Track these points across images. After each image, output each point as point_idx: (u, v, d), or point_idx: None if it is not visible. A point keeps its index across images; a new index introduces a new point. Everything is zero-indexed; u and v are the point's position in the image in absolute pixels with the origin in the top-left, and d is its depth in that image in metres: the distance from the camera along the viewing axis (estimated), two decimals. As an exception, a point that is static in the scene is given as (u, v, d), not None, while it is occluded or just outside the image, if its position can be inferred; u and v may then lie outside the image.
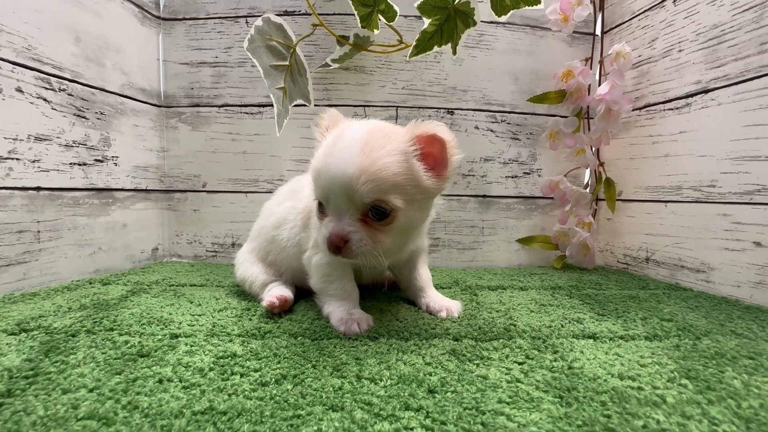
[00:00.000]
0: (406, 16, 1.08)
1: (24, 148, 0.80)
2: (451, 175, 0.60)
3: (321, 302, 0.69)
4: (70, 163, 0.90)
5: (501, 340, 0.58)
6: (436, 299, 0.73)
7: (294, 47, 0.92)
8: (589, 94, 1.07)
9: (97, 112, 0.96)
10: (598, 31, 1.17)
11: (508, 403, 0.41)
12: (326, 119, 0.66)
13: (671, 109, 0.96)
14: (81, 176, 0.92)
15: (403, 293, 0.80)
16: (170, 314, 0.68)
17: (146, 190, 1.10)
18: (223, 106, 1.14)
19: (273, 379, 0.45)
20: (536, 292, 0.87)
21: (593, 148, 1.13)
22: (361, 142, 0.55)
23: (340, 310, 0.65)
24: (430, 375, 0.47)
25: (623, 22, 1.10)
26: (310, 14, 1.06)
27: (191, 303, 0.75)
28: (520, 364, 0.51)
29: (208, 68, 1.13)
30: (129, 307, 0.72)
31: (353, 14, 0.94)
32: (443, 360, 0.51)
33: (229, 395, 0.41)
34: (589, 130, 1.11)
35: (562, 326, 0.64)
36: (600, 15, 1.15)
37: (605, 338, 0.60)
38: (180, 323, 0.63)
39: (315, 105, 1.08)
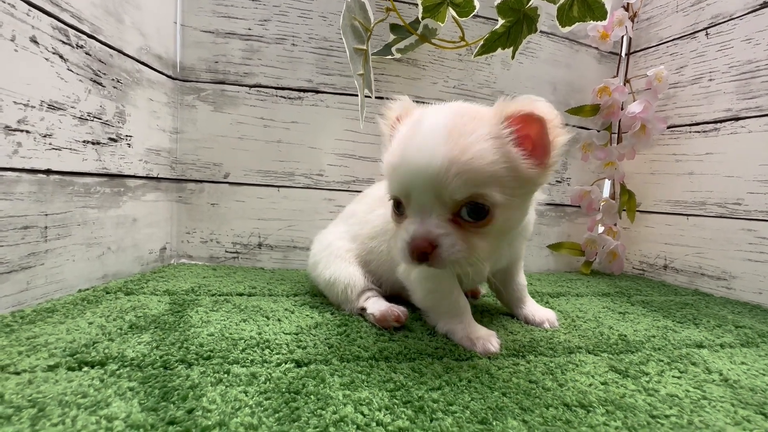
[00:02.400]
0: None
1: (35, 117, 0.61)
2: (555, 161, 0.49)
3: (432, 319, 0.63)
4: (84, 141, 0.71)
5: (635, 354, 0.58)
6: (535, 310, 0.71)
7: (371, 30, 0.83)
8: (622, 110, 1.14)
9: (114, 79, 0.77)
10: (624, 53, 1.25)
11: (738, 424, 0.40)
12: (396, 108, 0.57)
13: (698, 132, 1.06)
14: (94, 158, 0.73)
15: (501, 302, 0.77)
16: (259, 333, 0.57)
17: (157, 178, 0.92)
18: (255, 86, 0.99)
19: (480, 417, 0.39)
20: (597, 299, 0.90)
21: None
22: (446, 129, 0.46)
23: (460, 327, 0.60)
24: (627, 397, 0.45)
25: (650, 47, 1.19)
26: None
27: (267, 318, 0.64)
28: (678, 378, 0.51)
29: (239, 41, 0.98)
30: (196, 325, 0.59)
31: (410, 3, 0.88)
32: (617, 379, 0.49)
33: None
34: (617, 143, 1.18)
35: (664, 336, 0.67)
36: (627, 37, 1.23)
37: (713, 346, 0.63)
38: (283, 345, 0.53)
39: (356, 95, 0.99)
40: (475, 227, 0.47)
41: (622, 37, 1.18)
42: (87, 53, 0.70)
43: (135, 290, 0.74)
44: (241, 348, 0.51)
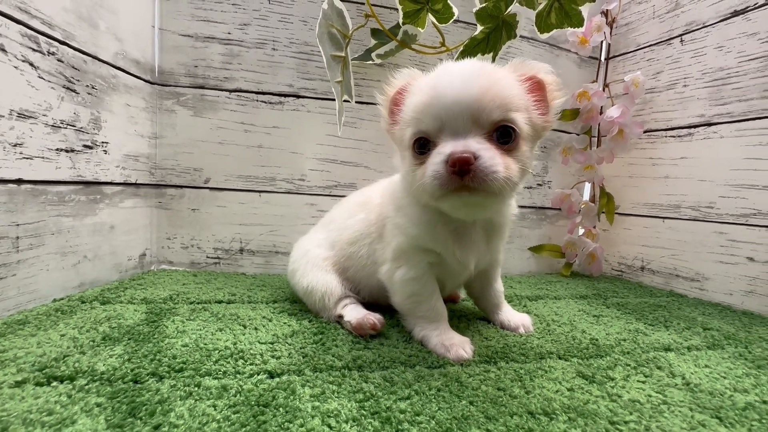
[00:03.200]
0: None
1: (5, 126, 0.60)
2: (553, 119, 0.56)
3: (409, 324, 0.64)
4: (57, 149, 0.70)
5: (604, 358, 0.60)
6: (511, 316, 0.72)
7: (350, 37, 0.83)
8: (601, 114, 1.16)
9: (88, 86, 0.76)
10: (603, 57, 1.27)
11: (692, 429, 0.42)
12: (400, 79, 0.59)
13: (673, 137, 1.08)
14: (68, 166, 0.72)
15: (478, 308, 0.78)
16: (234, 344, 0.57)
17: (135, 184, 0.91)
18: (235, 91, 0.98)
19: (445, 428, 0.40)
20: (574, 302, 0.92)
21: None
22: (474, 69, 0.52)
23: (435, 333, 0.61)
24: (591, 403, 0.46)
25: (628, 52, 1.21)
26: (356, 2, 0.98)
27: (244, 327, 0.64)
28: (643, 382, 0.53)
29: (218, 45, 0.97)
30: (171, 335, 0.59)
31: (391, 8, 0.88)
32: (583, 385, 0.51)
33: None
34: (596, 147, 1.20)
35: (634, 339, 0.68)
36: (606, 42, 1.25)
37: (680, 350, 0.65)
38: (257, 355, 0.53)
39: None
40: (505, 150, 0.51)
41: (601, 42, 1.19)
42: (59, 60, 0.69)
43: (111, 299, 0.73)
44: (214, 359, 0.52)
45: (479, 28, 0.92)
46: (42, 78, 0.66)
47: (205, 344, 0.56)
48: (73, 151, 0.73)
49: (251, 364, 0.51)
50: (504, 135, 0.50)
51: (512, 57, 1.15)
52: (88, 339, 0.55)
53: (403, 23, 0.93)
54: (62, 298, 0.72)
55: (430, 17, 0.94)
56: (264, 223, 1.02)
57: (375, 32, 1.00)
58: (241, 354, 0.53)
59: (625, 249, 1.21)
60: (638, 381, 0.53)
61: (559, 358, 0.59)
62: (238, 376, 0.48)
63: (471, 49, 0.97)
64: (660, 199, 1.11)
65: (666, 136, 1.10)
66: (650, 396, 0.49)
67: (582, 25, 0.96)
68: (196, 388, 0.44)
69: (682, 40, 1.06)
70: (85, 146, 0.76)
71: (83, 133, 0.75)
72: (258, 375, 0.48)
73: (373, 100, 1.06)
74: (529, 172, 0.56)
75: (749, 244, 0.91)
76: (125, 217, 0.88)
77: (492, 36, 0.95)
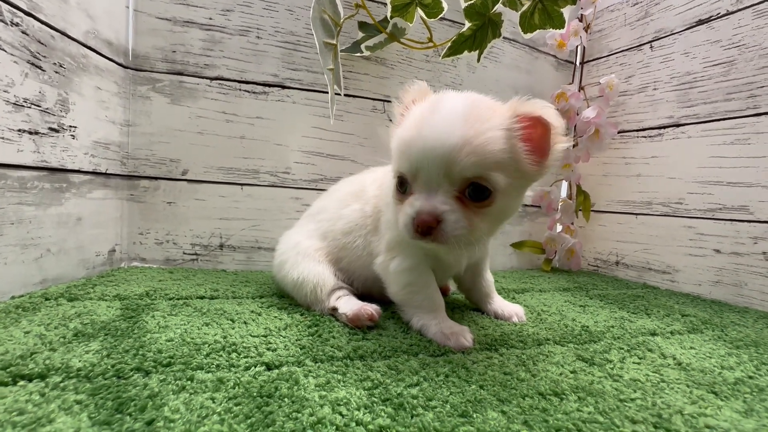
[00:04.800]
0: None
1: (-41, 100, 0.53)
2: (551, 164, 0.53)
3: (407, 314, 0.63)
4: (19, 130, 0.63)
5: (598, 343, 0.61)
6: (503, 305, 0.73)
7: (341, 24, 0.81)
8: (578, 115, 1.21)
9: (55, 63, 0.69)
10: (578, 61, 1.33)
11: (694, 403, 0.43)
12: (412, 92, 0.59)
13: (644, 137, 1.14)
14: (31, 149, 0.66)
15: (470, 300, 0.77)
16: (224, 337, 0.53)
17: (105, 174, 0.84)
18: (216, 79, 0.94)
19: (461, 411, 0.39)
20: (559, 294, 0.94)
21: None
22: (464, 113, 0.49)
23: (434, 322, 0.60)
24: (596, 384, 0.46)
25: (601, 57, 1.27)
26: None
27: (232, 321, 0.60)
28: (638, 364, 0.54)
29: (198, 30, 0.92)
30: (153, 330, 0.54)
31: (379, 2, 0.88)
32: (584, 367, 0.51)
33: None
34: (573, 147, 1.25)
35: (621, 326, 0.70)
36: (582, 46, 1.30)
37: (664, 334, 0.68)
38: (251, 348, 0.50)
39: (323, 92, 0.98)
40: (477, 207, 0.50)
41: (577, 46, 1.25)
42: (24, 32, 0.63)
43: (80, 296, 0.67)
44: (205, 353, 0.48)
45: (467, 24, 0.93)
46: (3, 50, 0.59)
47: (192, 339, 0.52)
48: (37, 133, 0.67)
49: (246, 357, 0.48)
50: (477, 191, 0.49)
51: (495, 58, 1.17)
52: (58, 336, 0.50)
53: (392, 17, 0.93)
54: (22, 295, 0.65)
55: (419, 12, 0.94)
56: (246, 217, 0.98)
57: (363, 25, 0.99)
58: (233, 347, 0.50)
59: (601, 244, 1.26)
60: (634, 363, 0.54)
61: (556, 344, 0.60)
62: (233, 369, 0.45)
63: (458, 45, 0.98)
64: (633, 196, 1.17)
65: (638, 137, 1.16)
66: (648, 375, 0.50)
67: (563, 27, 0.99)
68: (189, 382, 0.41)
69: (651, 47, 1.13)
70: (51, 129, 0.70)
71: (49, 115, 0.69)
72: (255, 367, 0.45)
73: (361, 93, 1.05)
74: (512, 216, 0.59)
75: (716, 237, 0.97)
76: (94, 208, 0.81)
77: (479, 33, 0.97)
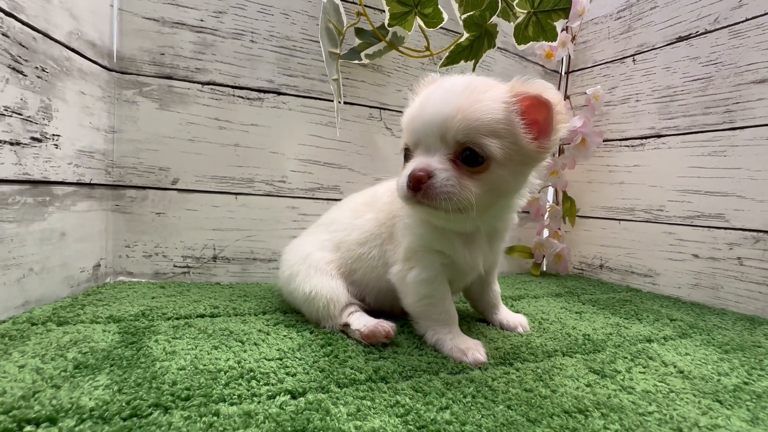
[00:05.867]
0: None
1: (-64, 111, 0.48)
2: (554, 145, 0.53)
3: (421, 327, 0.63)
4: (0, 141, 0.58)
5: (602, 353, 0.63)
6: (508, 316, 0.74)
7: (343, 33, 0.80)
8: (565, 124, 1.24)
9: (38, 68, 0.64)
10: (563, 71, 1.37)
11: (704, 413, 0.45)
12: (424, 82, 0.62)
13: (627, 146, 1.20)
14: (12, 161, 0.61)
15: (475, 310, 0.78)
16: (238, 362, 0.51)
17: (90, 185, 0.79)
18: (208, 83, 0.90)
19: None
20: (553, 300, 0.97)
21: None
22: (461, 87, 0.53)
23: (448, 337, 0.60)
24: (613, 397, 0.48)
25: (586, 68, 1.32)
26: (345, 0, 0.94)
27: (242, 342, 0.58)
28: (644, 373, 0.57)
29: (189, 32, 0.88)
30: (160, 357, 0.51)
31: (377, 9, 0.87)
32: (597, 380, 0.53)
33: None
34: (558, 155, 1.29)
35: (619, 333, 0.74)
36: (567, 57, 1.35)
37: (659, 340, 0.71)
38: (270, 374, 0.49)
39: (320, 99, 0.96)
40: (471, 172, 0.51)
41: (563, 57, 1.28)
42: (4, 35, 0.57)
43: (69, 319, 0.62)
44: (223, 382, 0.46)
45: (465, 35, 0.94)
46: (-17, 54, 0.54)
47: (205, 366, 0.50)
48: (18, 144, 0.61)
49: (266, 384, 0.46)
50: (471, 157, 0.51)
51: (487, 67, 1.19)
52: (57, 369, 0.46)
53: (389, 25, 0.92)
54: (4, 321, 0.60)
55: (418, 20, 0.94)
56: (241, 227, 0.94)
57: (360, 32, 0.97)
58: (251, 374, 0.48)
59: (586, 249, 1.31)
60: (640, 372, 0.57)
61: (565, 355, 0.62)
62: (255, 398, 0.43)
63: (456, 55, 0.99)
64: (616, 202, 1.22)
65: (621, 146, 1.21)
66: (656, 385, 0.52)
67: (555, 39, 1.02)
68: (215, 418, 0.39)
69: (634, 60, 1.18)
70: (34, 139, 0.64)
71: (31, 123, 0.64)
72: (279, 396, 0.44)
73: (357, 101, 1.04)
74: (512, 193, 0.58)
75: (694, 242, 1.04)
76: (78, 222, 0.76)
77: (475, 44, 0.98)
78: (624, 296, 1.04)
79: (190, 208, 0.91)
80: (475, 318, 0.78)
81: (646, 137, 1.15)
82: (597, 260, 1.27)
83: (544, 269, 1.34)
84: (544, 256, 1.29)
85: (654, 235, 1.12)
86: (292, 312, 0.73)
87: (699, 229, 1.03)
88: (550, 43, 1.05)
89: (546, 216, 1.29)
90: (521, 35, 1.02)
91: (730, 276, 0.97)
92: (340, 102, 0.89)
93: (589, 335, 0.71)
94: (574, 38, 1.30)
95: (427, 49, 1.01)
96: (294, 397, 0.44)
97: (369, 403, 0.43)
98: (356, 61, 0.96)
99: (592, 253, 1.29)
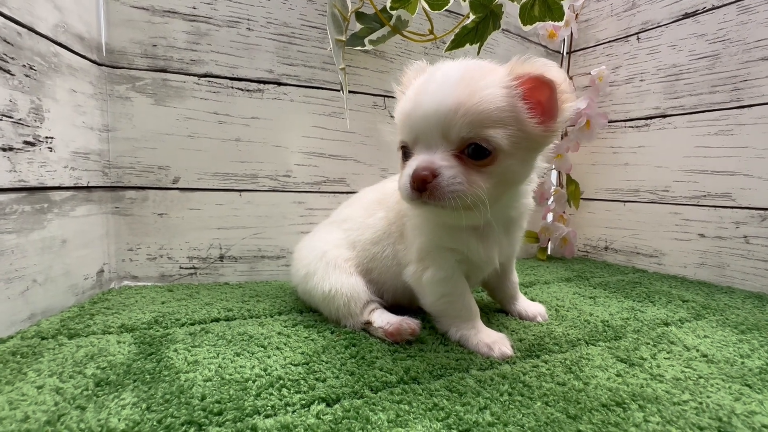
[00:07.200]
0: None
1: None
2: (561, 126, 0.50)
3: (443, 324, 0.62)
4: (-8, 148, 0.54)
5: (624, 339, 0.64)
6: (527, 306, 0.74)
7: (348, 19, 0.76)
8: (569, 106, 1.23)
9: (25, 66, 0.60)
10: (565, 51, 1.34)
11: (737, 399, 0.46)
12: (412, 71, 0.58)
13: (632, 127, 1.19)
14: (7, 168, 0.57)
15: (494, 299, 0.78)
16: (265, 370, 0.50)
17: (87, 188, 0.75)
18: (205, 76, 0.86)
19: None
20: (564, 285, 0.97)
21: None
22: (459, 77, 0.49)
23: (472, 332, 0.59)
24: (646, 387, 0.48)
25: (588, 47, 1.29)
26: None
27: (264, 347, 0.57)
28: (669, 359, 0.57)
29: (181, 21, 0.83)
30: (183, 369, 0.50)
31: None
32: (626, 369, 0.53)
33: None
34: (563, 137, 1.27)
35: (636, 317, 0.74)
36: (569, 36, 1.32)
37: (675, 323, 0.72)
38: (300, 381, 0.47)
39: (322, 89, 0.92)
40: (478, 166, 0.48)
41: (565, 37, 1.26)
42: (-13, 31, 0.53)
43: (80, 330, 0.60)
44: (253, 393, 0.44)
45: (471, 17, 0.91)
46: (-33, 54, 0.50)
47: (231, 375, 0.48)
48: (11, 149, 0.57)
49: (298, 393, 0.45)
50: (477, 151, 0.48)
51: (490, 49, 1.16)
52: (79, 388, 0.44)
53: (392, 8, 0.88)
54: (12, 337, 0.57)
55: (422, 3, 0.90)
56: (246, 225, 0.92)
57: (360, 16, 0.93)
58: (280, 382, 0.47)
59: (590, 231, 1.31)
60: (665, 358, 0.57)
61: (588, 344, 0.62)
62: (289, 408, 0.42)
63: (461, 38, 0.95)
64: (620, 184, 1.22)
65: (625, 127, 1.20)
66: (684, 372, 0.53)
67: (562, 19, 0.99)
68: (255, 433, 0.38)
69: (638, 38, 1.16)
70: (27, 143, 0.60)
71: (23, 126, 0.59)
72: (314, 404, 0.43)
73: (360, 89, 1.00)
74: (521, 181, 0.55)
75: (700, 222, 1.04)
76: (78, 227, 0.73)
77: (480, 26, 0.95)
78: (632, 278, 1.05)
79: (193, 207, 0.88)
80: (494, 308, 0.77)
81: (651, 117, 1.14)
82: (602, 242, 1.28)
83: (549, 253, 1.34)
84: (549, 240, 1.29)
85: (660, 215, 1.13)
86: (309, 311, 0.72)
87: (705, 209, 1.03)
88: (548, 23, 1.02)
89: (551, 200, 1.28)
90: (527, 15, 0.99)
91: (736, 254, 0.98)
92: (347, 92, 0.85)
93: (607, 321, 0.71)
94: (577, 16, 1.27)
95: (431, 32, 0.97)
96: (329, 405, 0.43)
97: (406, 407, 0.43)
98: (359, 47, 0.92)
99: (596, 236, 1.29)
